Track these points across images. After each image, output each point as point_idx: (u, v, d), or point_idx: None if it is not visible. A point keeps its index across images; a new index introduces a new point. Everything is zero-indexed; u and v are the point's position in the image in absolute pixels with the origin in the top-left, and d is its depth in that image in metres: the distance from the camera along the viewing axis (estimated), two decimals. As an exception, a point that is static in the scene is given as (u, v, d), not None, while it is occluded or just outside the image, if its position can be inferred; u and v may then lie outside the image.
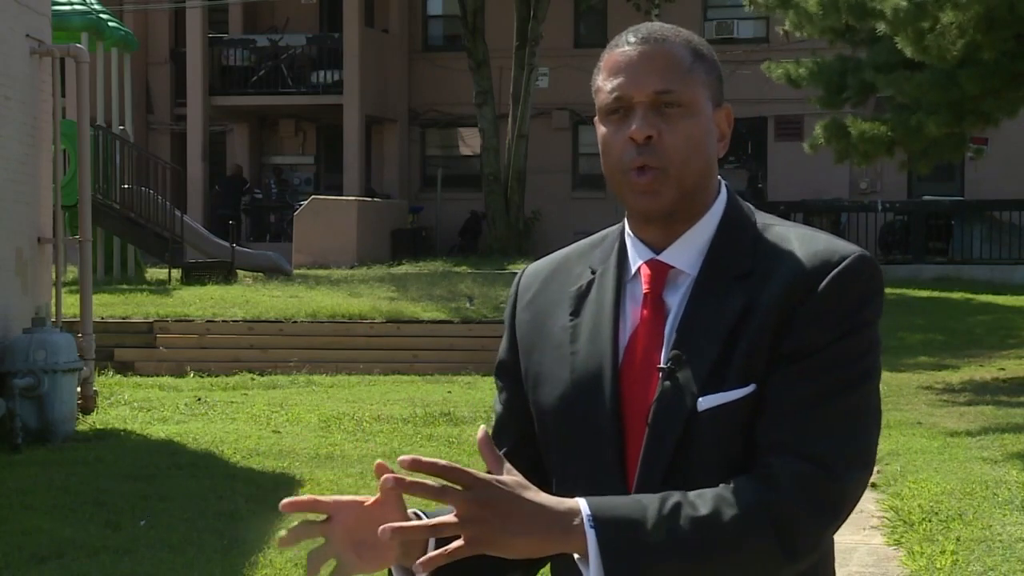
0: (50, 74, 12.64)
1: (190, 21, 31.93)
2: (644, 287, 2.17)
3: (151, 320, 16.94)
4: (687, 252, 2.16)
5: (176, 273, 21.76)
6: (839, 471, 2.01)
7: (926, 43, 13.89)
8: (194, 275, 21.22)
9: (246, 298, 18.75)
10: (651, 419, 2.08)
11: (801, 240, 2.14)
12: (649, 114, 2.11)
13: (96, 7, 21.35)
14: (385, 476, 1.93)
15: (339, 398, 14.14)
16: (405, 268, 24.30)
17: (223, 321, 17.16)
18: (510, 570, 2.21)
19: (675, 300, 2.15)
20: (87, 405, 12.41)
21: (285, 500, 2.04)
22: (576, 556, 1.94)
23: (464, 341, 16.76)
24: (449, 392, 14.64)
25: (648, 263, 2.18)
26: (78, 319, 13.08)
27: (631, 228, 2.22)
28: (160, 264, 22.49)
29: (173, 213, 22.14)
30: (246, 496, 9.02)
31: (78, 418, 11.86)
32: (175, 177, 24.57)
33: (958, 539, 7.82)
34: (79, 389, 11.98)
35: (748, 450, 2.05)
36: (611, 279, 2.21)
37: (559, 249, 2.38)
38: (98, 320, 14.76)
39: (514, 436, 2.30)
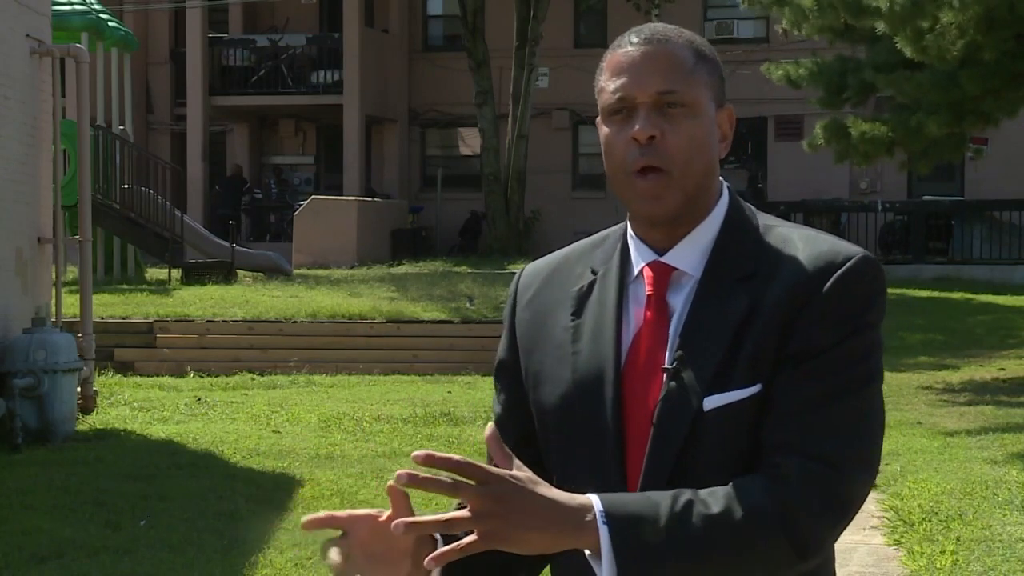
0: (50, 74, 12.64)
1: (190, 21, 31.93)
2: (647, 289, 2.17)
3: (151, 320, 16.94)
4: (690, 254, 2.16)
5: (176, 273, 21.76)
6: (847, 471, 2.02)
7: (925, 43, 13.89)
8: (194, 275, 21.22)
9: (246, 298, 18.75)
10: (656, 419, 2.08)
11: (804, 241, 2.15)
12: (652, 114, 2.11)
13: (96, 7, 21.35)
14: (399, 472, 1.93)
15: (339, 398, 14.14)
16: (405, 268, 24.30)
17: (223, 321, 17.16)
18: (516, 571, 2.21)
19: (679, 302, 2.15)
20: (87, 405, 12.41)
21: (305, 519, 2.04)
22: (587, 552, 1.94)
23: (464, 341, 16.76)
24: (449, 392, 14.64)
25: (651, 265, 2.18)
26: (78, 319, 13.08)
27: (634, 229, 2.22)
28: (160, 264, 22.49)
29: (173, 213, 22.14)
30: (246, 496, 9.02)
31: (78, 418, 11.85)
32: (175, 177, 24.58)
33: (958, 539, 7.82)
34: (79, 389, 11.98)
35: (753, 450, 2.05)
36: (613, 280, 2.21)
37: (558, 249, 2.38)
38: (98, 320, 14.76)
39: (514, 436, 2.30)
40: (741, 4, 17.23)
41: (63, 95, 14.97)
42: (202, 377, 15.86)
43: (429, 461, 1.90)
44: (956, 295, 23.06)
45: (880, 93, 17.21)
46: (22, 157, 11.89)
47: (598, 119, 2.21)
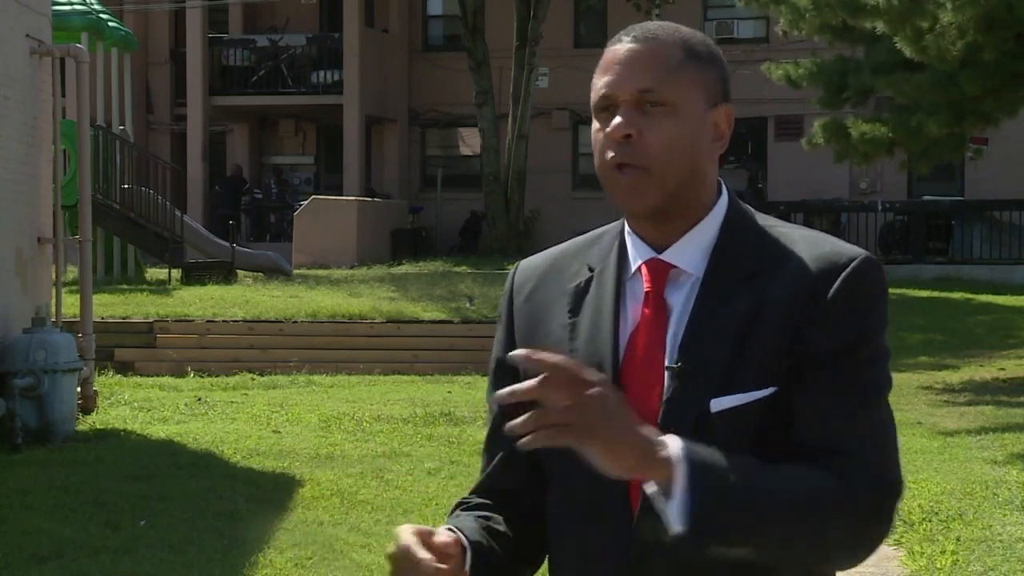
0: (50, 74, 12.64)
1: (190, 21, 31.93)
2: (645, 286, 2.17)
3: (151, 320, 16.94)
4: (690, 252, 2.16)
5: (176, 273, 21.76)
6: (892, 476, 2.07)
7: (925, 43, 13.88)
8: (194, 275, 21.22)
9: (246, 298, 18.74)
10: (661, 419, 2.08)
11: (806, 241, 2.15)
12: (632, 113, 2.11)
13: (96, 7, 21.34)
14: (513, 353, 1.93)
15: (339, 398, 14.14)
16: (405, 268, 24.30)
17: (223, 321, 17.16)
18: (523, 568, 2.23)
19: (678, 300, 2.15)
20: (87, 405, 12.40)
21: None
22: (650, 490, 1.94)
23: (464, 341, 16.76)
24: (449, 392, 14.64)
25: (649, 262, 2.18)
26: (78, 319, 13.08)
27: (630, 226, 2.22)
28: (160, 264, 22.48)
29: (173, 213, 22.13)
30: (246, 496, 9.02)
31: (78, 418, 11.85)
32: (175, 177, 24.57)
33: (958, 539, 7.82)
34: (79, 389, 11.98)
35: (756, 451, 2.05)
36: (611, 277, 2.21)
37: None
38: (98, 320, 14.75)
39: (512, 438, 2.29)
40: (738, 2, 17.21)
41: (63, 95, 14.96)
42: (202, 377, 15.86)
43: (528, 362, 1.90)
44: (956, 295, 23.05)
45: (880, 94, 17.20)
46: (22, 157, 11.89)
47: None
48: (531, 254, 2.41)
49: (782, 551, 2.00)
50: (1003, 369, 16.34)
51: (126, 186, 21.47)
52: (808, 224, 19.38)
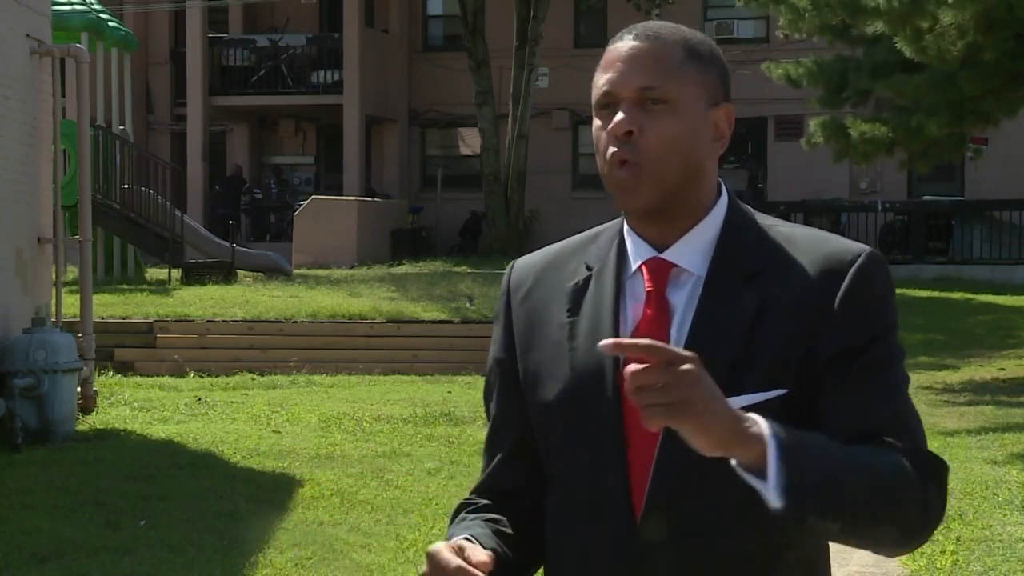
0: (50, 74, 12.64)
1: (190, 21, 31.92)
2: (647, 285, 2.17)
3: (151, 320, 16.94)
4: (692, 251, 2.16)
5: (176, 273, 21.76)
6: (938, 457, 2.09)
7: (925, 43, 13.88)
8: (194, 275, 21.21)
9: (246, 298, 18.74)
10: None
11: (808, 240, 2.16)
12: (633, 110, 2.12)
13: (96, 7, 21.34)
14: (603, 342, 1.91)
15: (339, 398, 14.14)
16: (405, 268, 24.30)
17: (223, 321, 17.16)
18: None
19: (680, 299, 2.15)
20: (87, 405, 12.40)
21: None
22: (734, 462, 1.94)
23: (464, 341, 16.76)
24: (449, 392, 14.64)
25: (650, 261, 2.17)
26: (78, 319, 13.08)
27: (630, 225, 2.22)
28: (160, 264, 22.48)
29: (173, 213, 22.13)
30: (246, 496, 9.02)
31: (78, 418, 11.85)
32: (175, 177, 24.57)
33: (958, 539, 7.83)
34: (79, 389, 11.98)
35: None
36: (610, 276, 2.20)
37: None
38: (98, 320, 14.75)
39: (512, 437, 2.29)
40: (738, 2, 17.21)
41: (63, 95, 14.96)
42: (202, 377, 15.85)
43: (616, 349, 1.90)
44: (956, 295, 23.05)
45: (879, 95, 17.20)
46: (22, 157, 11.89)
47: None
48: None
49: (869, 526, 2.00)
50: (1003, 369, 16.35)
51: (126, 186, 21.47)
52: (808, 224, 19.37)
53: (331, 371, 16.21)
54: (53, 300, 12.76)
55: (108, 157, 21.06)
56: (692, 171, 2.15)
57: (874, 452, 2.02)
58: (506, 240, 28.31)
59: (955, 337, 18.98)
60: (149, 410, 12.96)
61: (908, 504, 2.02)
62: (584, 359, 2.17)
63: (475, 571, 2.00)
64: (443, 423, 12.34)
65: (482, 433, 2.36)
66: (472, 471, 9.84)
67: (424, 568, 2.04)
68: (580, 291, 2.23)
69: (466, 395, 14.19)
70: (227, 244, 22.53)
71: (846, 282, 2.10)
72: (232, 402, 13.63)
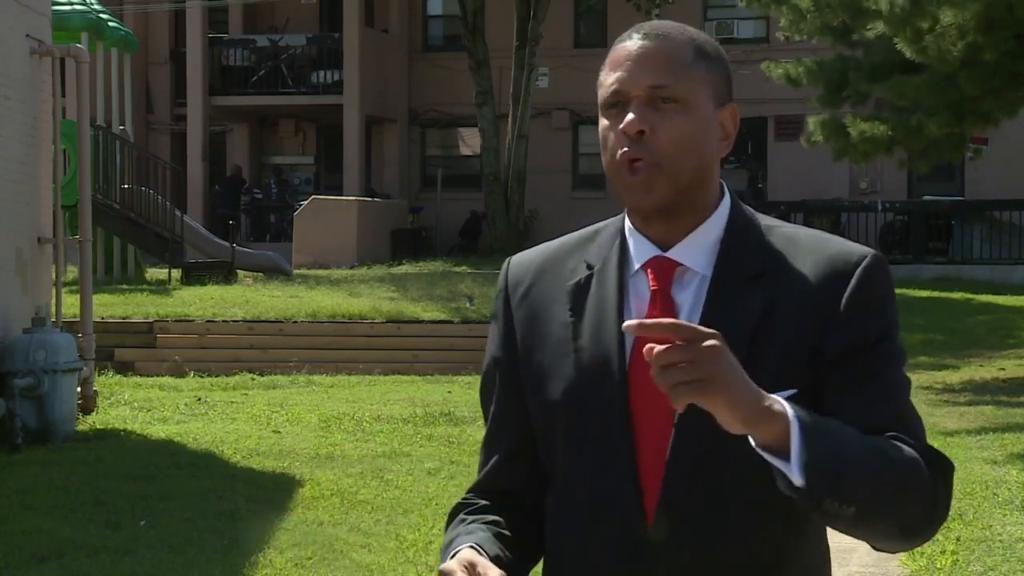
0: (50, 74, 12.63)
1: (190, 21, 31.92)
2: (652, 285, 2.16)
3: (151, 320, 16.94)
4: (697, 250, 2.16)
5: (176, 273, 21.76)
6: (949, 468, 2.13)
7: (925, 44, 13.88)
8: (194, 275, 21.21)
9: (246, 298, 18.74)
10: (678, 419, 2.08)
11: (811, 241, 2.17)
12: (644, 109, 2.11)
13: (96, 7, 21.34)
14: (627, 323, 1.92)
15: (339, 398, 14.14)
16: (405, 268, 24.30)
17: (223, 321, 17.16)
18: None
19: (686, 298, 2.15)
20: (87, 405, 12.40)
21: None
22: (754, 443, 1.94)
23: (464, 341, 16.76)
24: (449, 392, 14.64)
25: (655, 260, 2.17)
26: (78, 319, 13.08)
27: (633, 224, 2.22)
28: (160, 264, 22.48)
29: (173, 213, 22.13)
30: (246, 496, 9.02)
31: (78, 418, 11.85)
32: (175, 177, 24.57)
33: (958, 539, 7.83)
34: (79, 389, 11.98)
35: None
36: (612, 275, 2.20)
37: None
38: (98, 320, 14.75)
39: (511, 436, 2.29)
40: (741, 2, 17.20)
41: (63, 95, 14.96)
42: (202, 377, 15.85)
43: (640, 330, 1.90)
44: (956, 295, 23.05)
45: (880, 95, 17.20)
46: (22, 157, 11.89)
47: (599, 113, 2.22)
48: (528, 254, 2.39)
49: (883, 514, 2.00)
50: (1003, 369, 16.35)
51: (126, 186, 21.46)
52: (808, 224, 19.37)
53: (331, 371, 16.21)
54: (53, 300, 12.76)
55: (108, 157, 21.05)
56: (702, 170, 2.15)
57: (888, 441, 2.03)
58: (506, 240, 28.30)
59: (955, 337, 18.98)
60: (149, 410, 12.96)
61: (919, 495, 2.02)
62: (589, 358, 2.16)
63: None
64: (443, 423, 12.34)
65: (482, 433, 2.35)
66: (472, 471, 9.84)
67: None
68: (582, 290, 2.22)
69: (466, 395, 14.18)
70: (227, 244, 22.53)
71: (851, 284, 2.11)
72: (232, 402, 13.63)
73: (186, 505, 8.71)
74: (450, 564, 2.05)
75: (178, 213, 22.41)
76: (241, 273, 22.18)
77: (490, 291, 19.72)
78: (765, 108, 29.95)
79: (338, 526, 8.35)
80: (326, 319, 17.40)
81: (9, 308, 11.56)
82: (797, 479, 1.91)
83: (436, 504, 8.96)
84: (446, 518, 2.32)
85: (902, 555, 7.70)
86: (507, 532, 2.22)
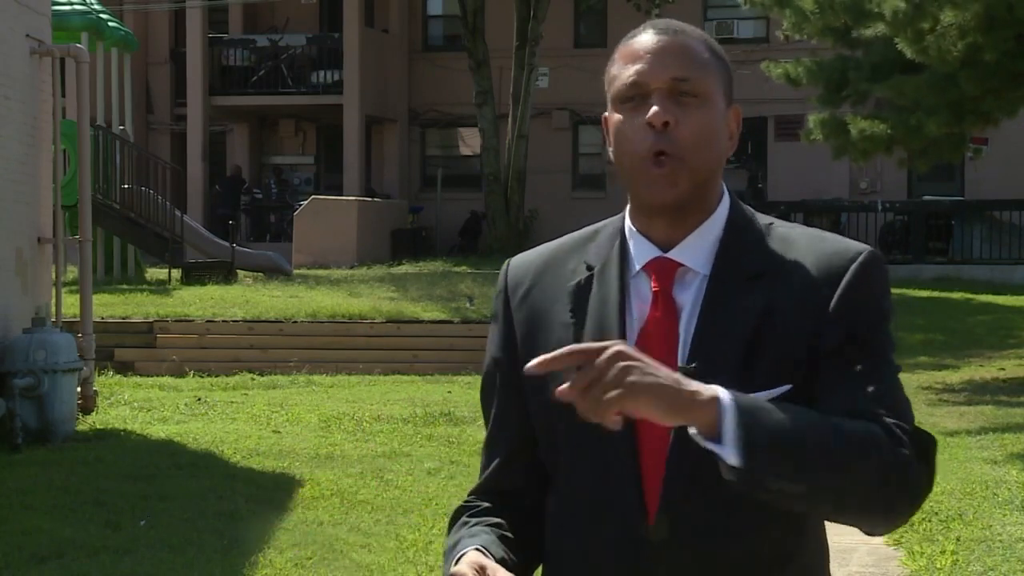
0: (50, 74, 12.64)
1: (190, 21, 31.93)
2: (653, 286, 2.16)
3: (151, 320, 16.94)
4: (697, 250, 2.16)
5: (176, 273, 21.76)
6: (926, 432, 2.09)
7: (926, 44, 13.88)
8: (194, 275, 21.21)
9: (246, 298, 18.74)
10: None
11: (808, 240, 2.17)
12: (666, 102, 2.11)
13: (96, 7, 21.34)
14: (527, 367, 1.94)
15: (339, 398, 14.14)
16: (405, 268, 24.30)
17: (223, 321, 17.16)
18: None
19: (687, 299, 2.15)
20: (87, 405, 12.40)
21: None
22: (693, 431, 1.94)
23: (464, 341, 16.76)
24: (449, 392, 14.64)
25: (656, 260, 2.17)
26: (78, 319, 13.08)
27: (635, 224, 2.21)
28: (160, 264, 22.48)
29: (173, 213, 22.13)
30: (246, 496, 9.02)
31: (78, 418, 11.85)
32: (175, 177, 24.57)
33: (958, 539, 7.83)
34: (79, 389, 11.98)
35: None
36: (613, 276, 2.20)
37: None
38: (98, 320, 14.75)
39: (512, 437, 2.29)
40: (743, 4, 17.19)
41: (63, 95, 14.96)
42: (202, 377, 15.85)
43: (542, 367, 1.92)
44: (956, 295, 23.05)
45: (880, 94, 17.20)
46: (22, 157, 11.89)
47: (605, 113, 2.21)
48: (528, 254, 2.39)
49: (836, 489, 1.98)
50: (1003, 369, 16.35)
51: (126, 186, 21.47)
52: (808, 224, 19.36)
53: (331, 371, 16.21)
54: (53, 300, 12.76)
55: (108, 157, 21.05)
56: (717, 166, 2.16)
57: (844, 419, 2.01)
58: (506, 240, 28.30)
59: (955, 337, 18.98)
60: (149, 410, 12.96)
61: (881, 471, 1.99)
62: (590, 360, 2.16)
63: None
64: (443, 423, 12.34)
65: (482, 433, 2.35)
66: (472, 471, 9.84)
67: None
68: (582, 291, 2.22)
69: (466, 395, 14.18)
70: (227, 244, 22.53)
71: (846, 279, 2.11)
72: (232, 402, 13.63)
73: (186, 505, 8.71)
74: (460, 567, 2.05)
75: (178, 213, 22.41)
76: (241, 273, 22.18)
77: (490, 291, 19.68)
78: (765, 108, 29.95)
79: (338, 526, 8.35)
80: (326, 319, 17.40)
81: (9, 308, 11.56)
82: (732, 459, 1.90)
83: (436, 504, 8.96)
84: (448, 521, 2.32)
85: (902, 555, 7.71)
86: (510, 534, 2.22)
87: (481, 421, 2.36)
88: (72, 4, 20.58)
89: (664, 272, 2.16)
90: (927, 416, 12.83)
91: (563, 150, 32.50)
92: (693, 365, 2.08)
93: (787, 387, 2.07)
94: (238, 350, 16.65)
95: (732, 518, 2.09)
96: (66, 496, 8.89)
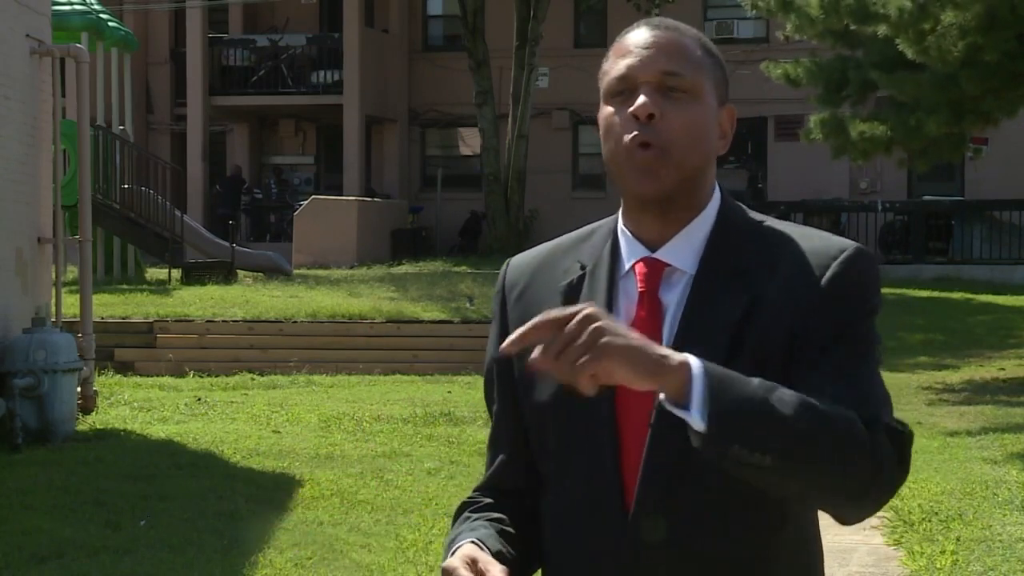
0: (50, 74, 12.64)
1: (190, 21, 31.93)
2: (639, 285, 2.17)
3: (151, 320, 16.94)
4: (684, 250, 2.17)
5: (176, 273, 21.76)
6: (905, 425, 2.08)
7: (927, 44, 13.88)
8: (194, 275, 21.22)
9: (246, 298, 18.74)
10: (654, 419, 2.08)
11: (797, 236, 2.17)
12: (654, 95, 2.12)
13: (96, 7, 21.34)
14: (503, 346, 1.94)
15: (339, 398, 14.14)
16: (405, 268, 24.30)
17: (223, 321, 17.16)
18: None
19: (672, 299, 2.15)
20: (87, 405, 12.41)
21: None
22: (662, 397, 1.93)
23: (464, 341, 16.76)
24: (449, 392, 14.64)
25: (643, 260, 2.17)
26: (78, 319, 13.08)
27: (626, 223, 2.22)
28: (160, 264, 22.48)
29: (173, 213, 22.13)
30: (246, 496, 9.02)
31: (78, 418, 11.85)
32: (175, 177, 24.57)
33: (958, 539, 7.83)
34: (79, 389, 11.98)
35: None
36: (604, 275, 2.20)
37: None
38: (98, 320, 14.75)
39: (512, 436, 2.29)
40: (747, 9, 17.18)
41: (63, 95, 14.96)
42: (202, 377, 15.85)
43: (517, 343, 1.92)
44: (956, 295, 23.05)
45: (880, 92, 17.20)
46: (22, 157, 11.89)
47: (600, 106, 2.21)
48: (528, 254, 2.40)
49: (806, 466, 1.97)
50: (1003, 369, 16.34)
51: (126, 186, 21.47)
52: (808, 224, 19.37)
53: (331, 371, 16.21)
54: (53, 300, 12.76)
55: (108, 157, 21.05)
56: (705, 163, 2.16)
57: (819, 400, 2.00)
58: (506, 240, 28.30)
59: (955, 337, 18.98)
60: (149, 410, 12.96)
61: (851, 454, 1.98)
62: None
63: None
64: (443, 423, 12.34)
65: (482, 433, 2.36)
66: (472, 471, 9.85)
67: None
68: (574, 290, 2.22)
69: (466, 395, 14.19)
70: (227, 244, 22.53)
71: (830, 271, 2.11)
72: (232, 402, 13.64)
73: (186, 505, 8.71)
74: (452, 560, 2.05)
75: (178, 213, 22.42)
76: (241, 273, 22.19)
77: (490, 291, 19.65)
78: (765, 108, 29.95)
79: (338, 526, 8.35)
80: (326, 319, 17.40)
81: (9, 308, 11.56)
82: (697, 424, 1.90)
83: (436, 504, 8.96)
84: (452, 517, 2.33)
85: (902, 555, 7.71)
86: (510, 529, 2.22)
87: (481, 421, 2.38)
88: (72, 4, 20.58)
89: (651, 272, 2.16)
90: (927, 416, 12.83)
91: (563, 150, 32.50)
92: None
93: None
94: (238, 350, 16.65)
95: (719, 515, 2.09)
96: (66, 496, 8.89)
